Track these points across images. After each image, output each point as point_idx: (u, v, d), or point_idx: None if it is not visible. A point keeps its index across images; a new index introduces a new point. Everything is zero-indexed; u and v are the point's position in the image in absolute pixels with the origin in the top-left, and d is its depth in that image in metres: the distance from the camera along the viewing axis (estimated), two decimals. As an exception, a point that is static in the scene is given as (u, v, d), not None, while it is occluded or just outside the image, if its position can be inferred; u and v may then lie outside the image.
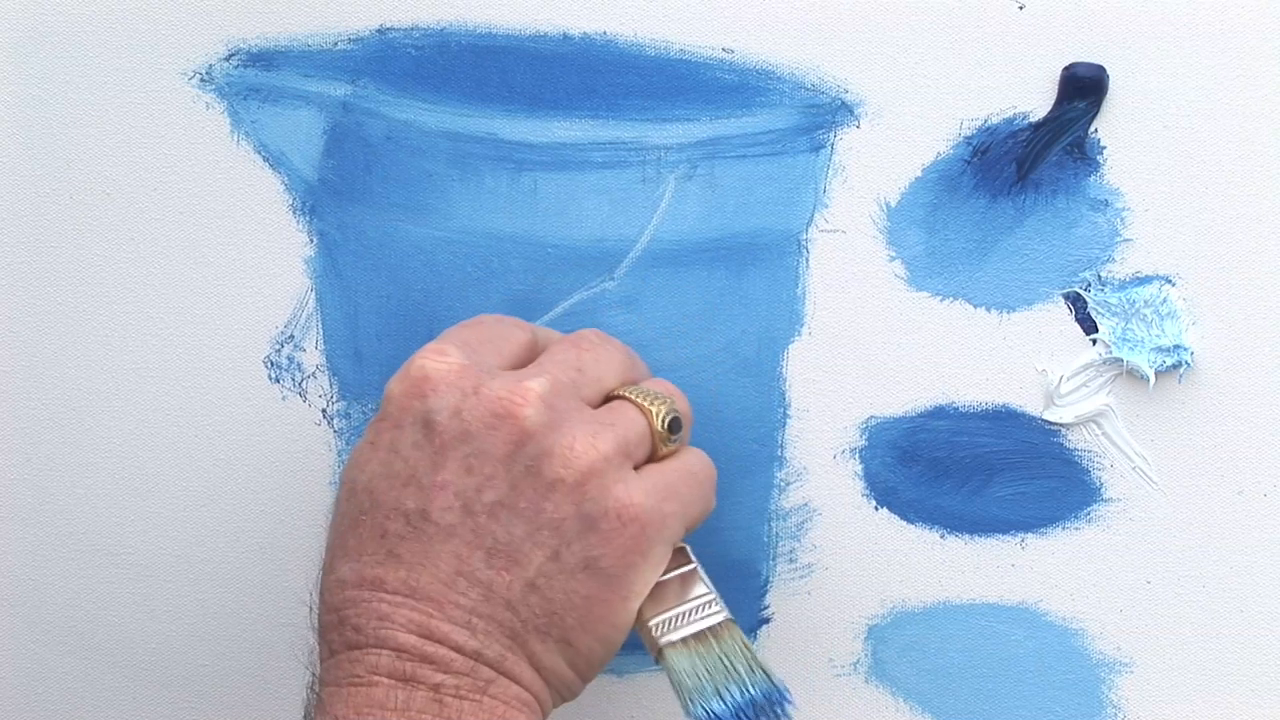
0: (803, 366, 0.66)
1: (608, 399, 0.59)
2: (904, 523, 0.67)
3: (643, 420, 0.59)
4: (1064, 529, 0.66)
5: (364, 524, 0.56)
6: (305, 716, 0.58)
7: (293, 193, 0.66)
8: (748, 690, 0.58)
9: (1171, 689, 0.67)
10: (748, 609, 0.68)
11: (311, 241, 0.66)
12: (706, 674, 0.58)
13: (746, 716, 0.57)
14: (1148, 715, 0.67)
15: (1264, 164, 0.63)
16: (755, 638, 0.68)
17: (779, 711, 0.58)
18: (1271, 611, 0.66)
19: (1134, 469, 0.66)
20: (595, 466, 0.56)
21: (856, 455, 0.66)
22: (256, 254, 0.67)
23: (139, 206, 0.67)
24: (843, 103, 0.64)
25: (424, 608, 0.55)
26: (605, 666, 0.59)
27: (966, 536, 0.67)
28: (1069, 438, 0.66)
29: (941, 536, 0.67)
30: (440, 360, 0.57)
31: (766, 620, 0.68)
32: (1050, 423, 0.65)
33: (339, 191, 0.66)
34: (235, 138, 0.66)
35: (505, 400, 0.56)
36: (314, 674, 0.58)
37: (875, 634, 0.67)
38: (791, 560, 0.67)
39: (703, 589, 0.59)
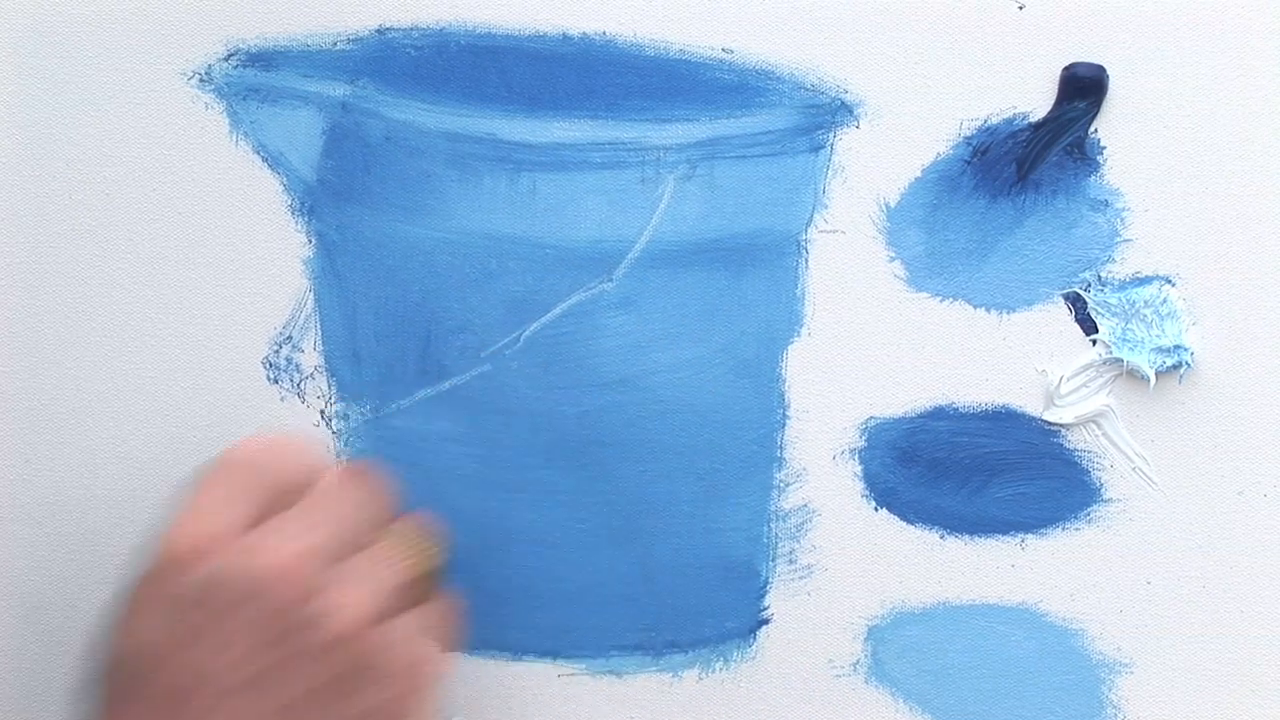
0: (802, 367, 0.66)
1: (370, 541, 0.60)
2: (904, 523, 0.67)
3: (406, 564, 0.59)
4: (1064, 529, 0.66)
5: (136, 692, 0.55)
6: None
7: (291, 193, 0.66)
8: None
9: (1171, 689, 0.67)
10: (748, 610, 0.68)
11: (310, 242, 0.66)
12: None
13: None
14: (1148, 715, 0.67)
15: (1264, 164, 0.63)
16: (755, 638, 0.68)
17: None
18: (1271, 611, 0.66)
19: (1134, 469, 0.65)
20: (359, 620, 0.56)
21: (856, 456, 0.66)
22: (255, 255, 0.67)
23: (138, 206, 0.67)
24: (842, 103, 0.64)
25: None
26: None
27: (966, 537, 0.67)
28: (1069, 438, 0.66)
29: (941, 537, 0.67)
30: (200, 522, 0.57)
31: (766, 621, 0.68)
32: (1050, 423, 0.65)
33: (338, 192, 0.66)
34: (234, 138, 0.66)
35: (268, 562, 0.56)
36: None
37: (875, 634, 0.67)
38: (791, 561, 0.67)
39: None
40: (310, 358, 0.67)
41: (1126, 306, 0.64)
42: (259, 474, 0.59)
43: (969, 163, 0.64)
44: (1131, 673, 0.67)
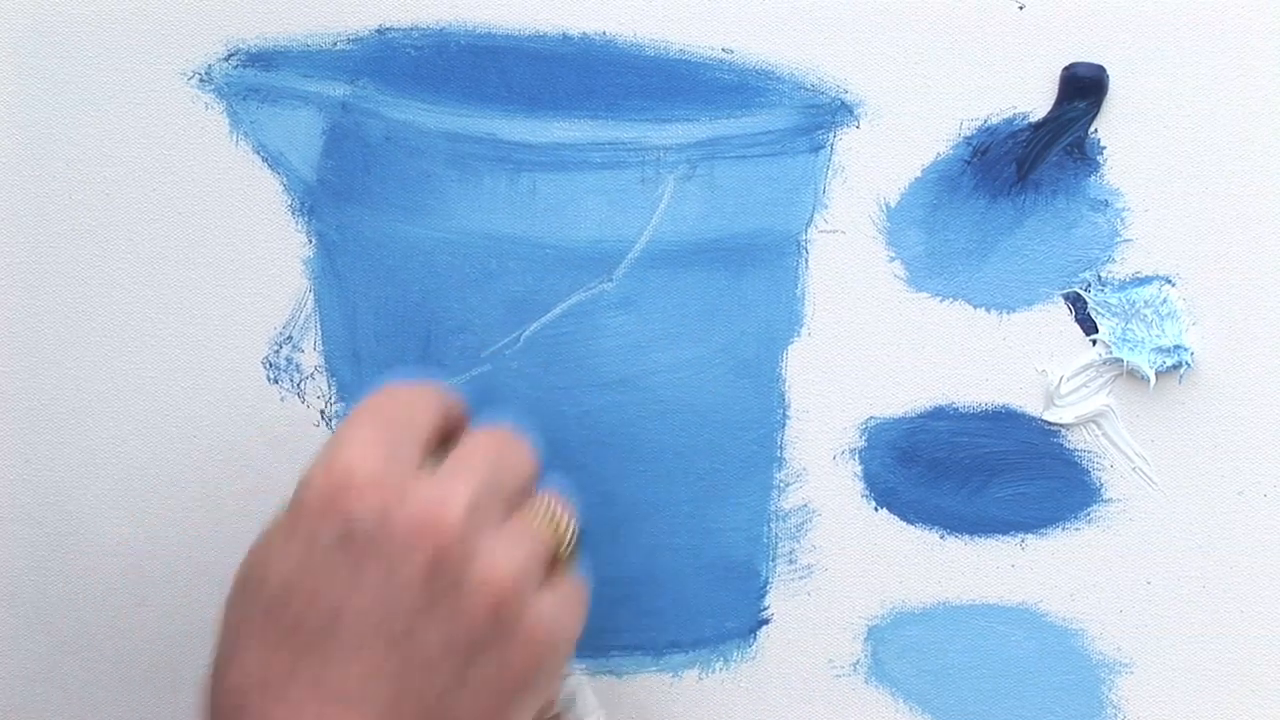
0: (802, 367, 0.66)
1: (516, 505, 0.59)
2: (904, 523, 0.67)
3: (551, 536, 0.58)
4: (1064, 529, 0.66)
5: (271, 620, 0.55)
6: None
7: (291, 193, 0.66)
8: None
9: (1171, 689, 0.67)
10: (748, 610, 0.68)
11: (310, 242, 0.66)
12: None
13: None
14: (1148, 715, 0.67)
15: (1264, 164, 0.63)
16: (755, 638, 0.68)
17: None
18: (1271, 611, 0.66)
19: (1134, 469, 0.65)
20: (515, 584, 0.56)
21: (856, 456, 0.66)
22: (255, 255, 0.67)
23: (138, 206, 0.67)
24: (842, 103, 0.64)
25: (331, 708, 0.54)
26: None
27: (966, 537, 0.67)
28: (1069, 438, 0.66)
29: (941, 537, 0.67)
30: (365, 460, 0.55)
31: (766, 621, 0.68)
32: (1050, 423, 0.65)
33: (338, 192, 0.66)
34: (234, 138, 0.66)
35: (431, 511, 0.55)
36: None
37: (875, 634, 0.67)
38: (791, 561, 0.67)
39: (588, 701, 0.61)
40: (310, 358, 0.67)
41: (1126, 306, 0.64)
42: (409, 417, 0.58)
43: (969, 163, 0.64)
44: (1131, 673, 0.67)
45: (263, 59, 0.65)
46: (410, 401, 0.59)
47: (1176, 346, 0.64)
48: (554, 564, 0.58)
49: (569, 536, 0.59)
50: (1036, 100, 0.63)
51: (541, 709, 0.59)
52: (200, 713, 0.57)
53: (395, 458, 0.56)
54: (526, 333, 0.66)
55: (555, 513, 0.59)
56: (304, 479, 0.56)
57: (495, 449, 0.58)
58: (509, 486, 0.58)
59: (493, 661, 0.56)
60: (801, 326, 0.66)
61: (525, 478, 0.59)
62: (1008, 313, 0.65)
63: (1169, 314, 0.64)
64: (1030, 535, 0.66)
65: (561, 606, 0.58)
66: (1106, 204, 0.64)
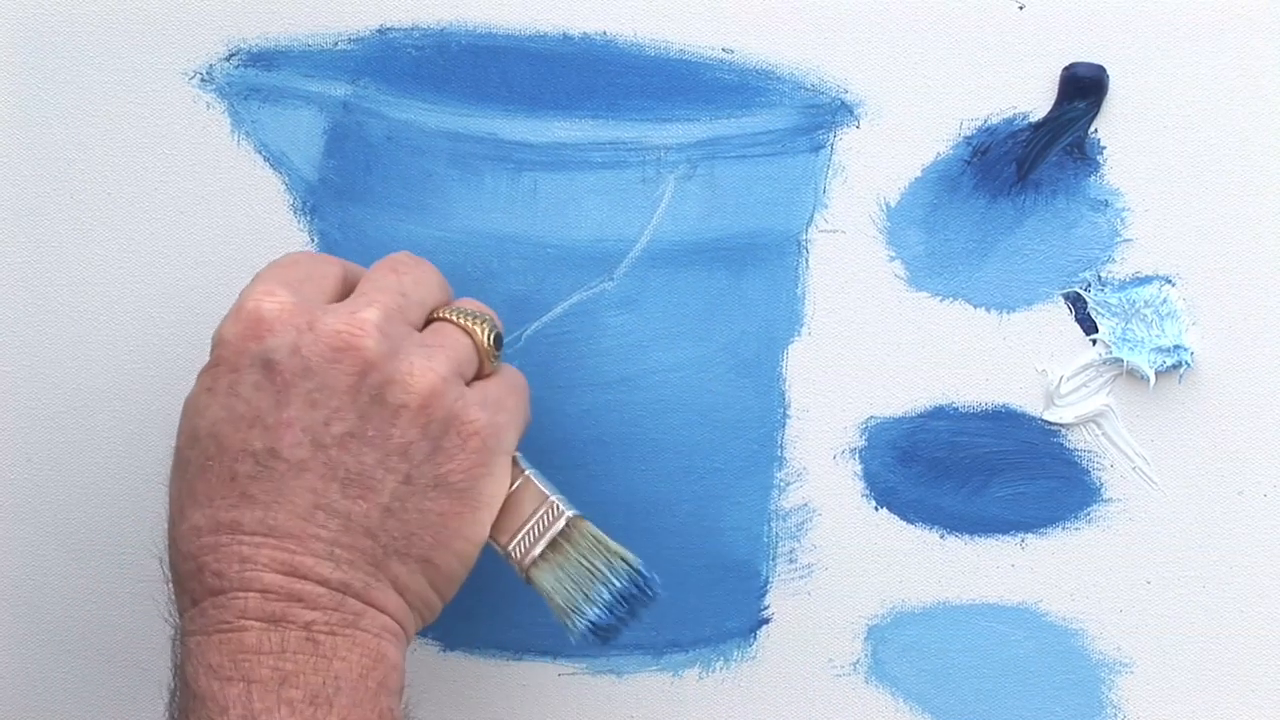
0: (802, 367, 0.66)
1: (429, 321, 0.60)
2: (904, 523, 0.67)
3: (468, 339, 0.60)
4: (1064, 529, 0.66)
5: (211, 469, 0.56)
6: (174, 670, 0.58)
7: (293, 193, 0.66)
8: (612, 584, 0.59)
9: (1171, 689, 0.67)
10: (748, 609, 0.68)
11: (312, 241, 0.66)
12: (572, 584, 0.59)
13: (621, 612, 0.59)
14: (1148, 715, 0.67)
15: (1264, 164, 0.63)
16: (755, 638, 0.68)
17: (647, 592, 0.59)
18: (1271, 611, 0.66)
19: (1134, 469, 0.65)
20: (435, 388, 0.57)
21: (856, 455, 0.66)
22: (257, 254, 0.66)
23: (139, 206, 0.67)
24: (842, 103, 0.64)
25: (285, 545, 0.56)
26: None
27: (966, 537, 0.67)
28: (1069, 438, 0.66)
29: (941, 537, 0.67)
30: (271, 300, 0.57)
31: (766, 620, 0.68)
32: (1050, 423, 0.65)
33: (339, 191, 0.66)
34: (236, 138, 0.66)
35: (344, 334, 0.56)
36: (175, 626, 0.58)
37: (875, 634, 0.67)
38: (791, 560, 0.67)
39: (541, 493, 0.60)
40: (311, 357, 0.67)
41: (1126, 306, 0.64)
42: (308, 271, 0.60)
43: (969, 163, 0.64)
44: (1131, 673, 0.67)
45: (264, 59, 0.65)
46: (310, 260, 0.61)
47: (1176, 346, 0.64)
48: (481, 363, 0.60)
49: (488, 334, 0.60)
50: (1036, 100, 0.63)
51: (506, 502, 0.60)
52: (164, 586, 0.58)
53: (301, 297, 0.57)
54: (527, 332, 0.66)
55: (471, 314, 0.60)
56: (217, 332, 0.57)
57: (397, 271, 0.60)
58: (418, 301, 0.59)
59: (432, 467, 0.57)
60: (801, 326, 0.66)
61: (433, 290, 0.61)
62: (1008, 313, 0.65)
63: (1169, 314, 0.64)
64: (1030, 535, 0.66)
65: (490, 398, 0.59)
66: (1106, 204, 0.64)
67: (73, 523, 0.69)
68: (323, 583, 0.56)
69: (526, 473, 0.60)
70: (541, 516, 0.60)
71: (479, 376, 0.60)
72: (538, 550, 0.59)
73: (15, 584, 0.70)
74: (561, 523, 0.60)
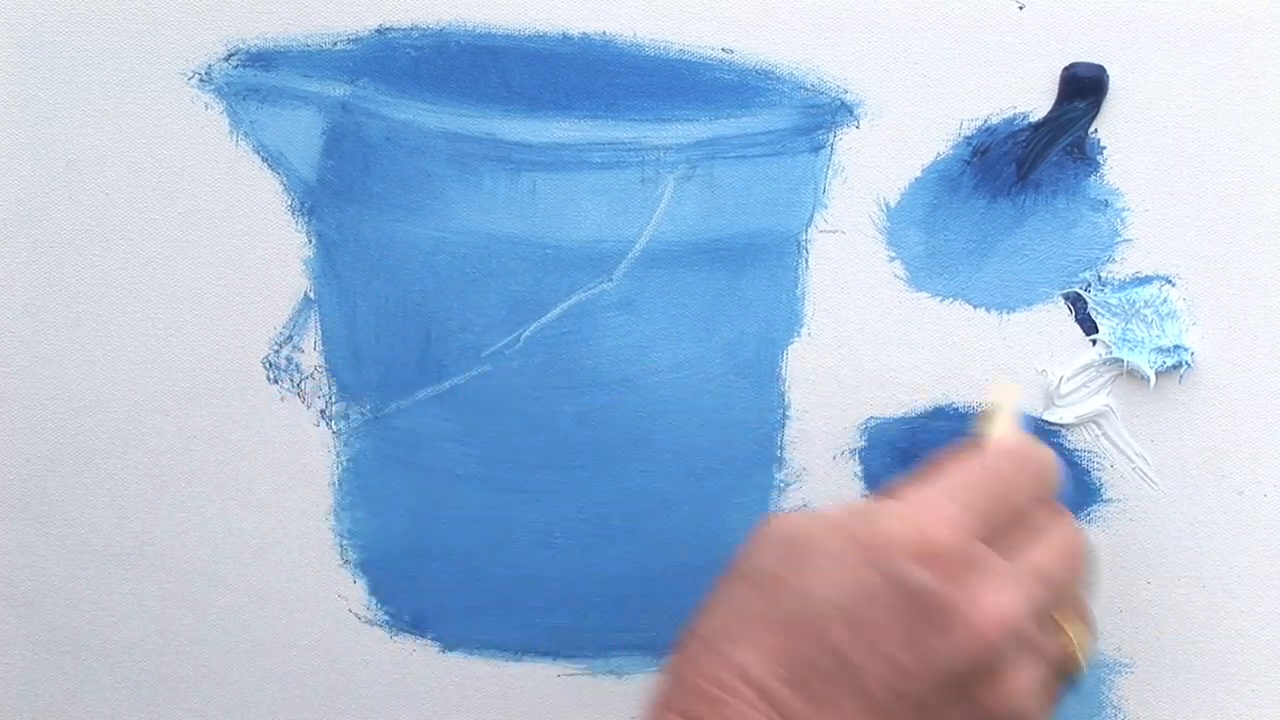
0: (802, 367, 0.66)
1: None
2: (904, 523, 0.67)
3: (1065, 651, 0.57)
4: (1064, 529, 0.66)
5: (794, 632, 0.53)
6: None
7: (292, 193, 0.66)
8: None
9: (1171, 689, 0.67)
10: (747, 609, 0.68)
11: (310, 242, 0.66)
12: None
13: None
14: (1148, 715, 0.67)
15: (1264, 164, 0.63)
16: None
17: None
18: (1271, 611, 0.66)
19: (1134, 469, 0.65)
20: (1027, 715, 0.54)
21: (856, 456, 0.66)
22: (255, 254, 0.67)
23: (138, 206, 0.67)
24: (842, 103, 0.64)
25: None
26: None
27: (966, 537, 0.66)
28: (1069, 438, 0.66)
29: (941, 537, 0.67)
30: (946, 531, 0.54)
31: (766, 620, 0.68)
32: (1050, 423, 0.65)
33: (338, 192, 0.66)
34: (234, 138, 0.66)
35: (988, 616, 0.53)
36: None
37: (875, 634, 0.67)
38: (791, 561, 0.67)
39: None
40: (310, 357, 0.67)
41: (1126, 306, 0.64)
42: (1002, 487, 0.57)
43: (969, 163, 0.64)
44: (1131, 673, 0.67)
45: (263, 59, 0.65)
46: (1005, 480, 0.57)
47: (1176, 346, 0.64)
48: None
49: (1077, 667, 0.58)
50: (1036, 100, 0.63)
51: None
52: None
53: (968, 531, 0.54)
54: (526, 333, 0.66)
55: (1083, 636, 0.58)
56: (881, 515, 0.54)
57: (1069, 564, 0.57)
58: (1055, 599, 0.56)
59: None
60: (801, 326, 0.66)
61: (1070, 594, 0.57)
62: (1008, 313, 0.65)
63: (1169, 314, 0.64)
64: (1030, 535, 0.66)
65: (1046, 671, 0.56)
66: (1106, 204, 0.64)
67: (73, 523, 0.69)
68: None
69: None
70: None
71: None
72: None
73: (15, 584, 0.70)
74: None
